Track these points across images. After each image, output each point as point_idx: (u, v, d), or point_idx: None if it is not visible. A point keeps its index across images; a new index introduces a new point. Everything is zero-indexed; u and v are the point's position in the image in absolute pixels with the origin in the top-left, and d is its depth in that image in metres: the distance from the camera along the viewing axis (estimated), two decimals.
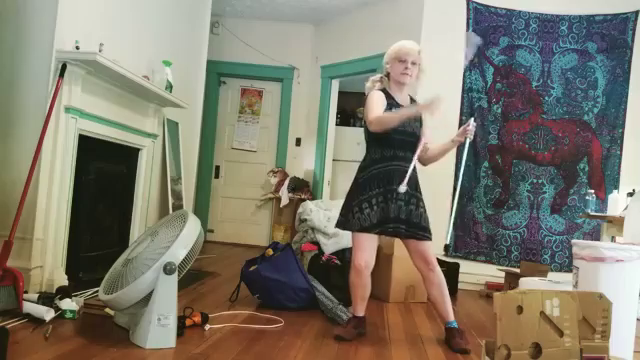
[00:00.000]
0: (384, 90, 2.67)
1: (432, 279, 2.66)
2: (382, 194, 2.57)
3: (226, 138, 6.34)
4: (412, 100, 2.74)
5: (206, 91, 5.42)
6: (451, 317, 2.66)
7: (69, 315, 2.41)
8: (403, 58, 2.61)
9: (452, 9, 4.54)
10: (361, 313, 2.68)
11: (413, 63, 2.62)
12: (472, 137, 2.59)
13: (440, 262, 4.11)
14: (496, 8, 4.51)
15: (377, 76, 2.76)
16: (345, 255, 3.63)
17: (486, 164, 4.48)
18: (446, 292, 2.67)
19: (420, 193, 2.66)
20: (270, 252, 3.21)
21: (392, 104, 2.61)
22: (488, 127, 4.48)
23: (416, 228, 2.58)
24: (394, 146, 2.59)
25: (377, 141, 2.61)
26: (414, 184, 2.61)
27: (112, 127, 3.40)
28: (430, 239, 2.62)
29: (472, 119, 2.65)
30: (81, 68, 2.89)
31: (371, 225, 2.56)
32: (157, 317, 2.11)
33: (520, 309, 1.71)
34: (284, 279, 3.02)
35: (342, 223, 2.66)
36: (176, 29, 4.46)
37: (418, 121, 2.63)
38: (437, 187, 4.45)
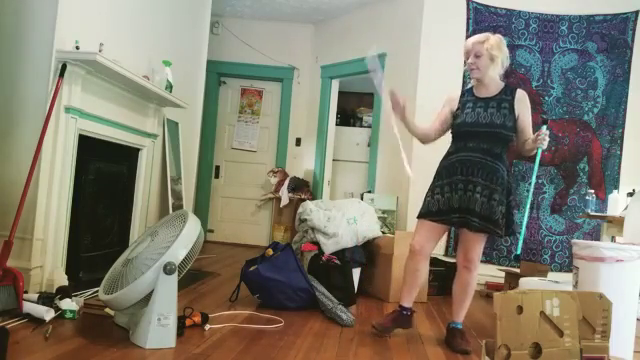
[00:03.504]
0: (469, 88, 2.69)
1: (464, 276, 2.63)
2: (449, 184, 2.56)
3: (226, 138, 6.34)
4: (505, 89, 2.59)
5: (206, 91, 5.42)
6: (459, 319, 2.65)
7: (69, 315, 2.41)
8: (466, 56, 2.62)
9: (452, 9, 4.54)
10: (406, 303, 2.68)
11: (477, 56, 2.56)
12: (546, 145, 2.44)
13: (440, 262, 4.16)
14: (496, 8, 4.51)
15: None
16: (345, 255, 3.63)
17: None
18: (470, 294, 2.63)
19: (501, 187, 2.49)
20: (270, 252, 3.21)
21: (468, 101, 2.62)
22: None
23: (486, 221, 2.46)
24: (463, 138, 2.58)
25: (452, 134, 2.67)
26: (486, 174, 2.49)
27: (112, 127, 3.40)
28: (488, 232, 2.49)
29: (544, 127, 2.43)
30: (81, 68, 2.89)
31: (428, 212, 2.59)
32: (157, 317, 2.11)
33: (520, 309, 1.71)
34: (284, 279, 3.02)
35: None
36: (176, 29, 4.46)
37: (499, 110, 2.53)
38: None
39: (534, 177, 2.61)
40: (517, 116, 2.54)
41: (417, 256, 2.63)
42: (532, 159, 4.37)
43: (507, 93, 2.57)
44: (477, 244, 2.57)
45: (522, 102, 2.56)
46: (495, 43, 2.55)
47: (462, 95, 2.69)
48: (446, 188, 2.56)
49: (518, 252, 2.46)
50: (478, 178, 2.49)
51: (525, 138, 2.56)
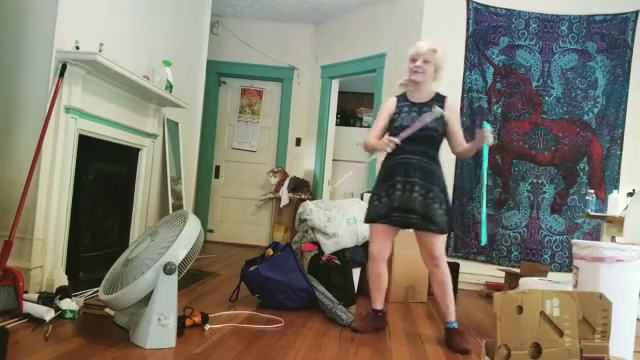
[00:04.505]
0: (402, 94, 2.81)
1: (436, 275, 2.69)
2: (391, 186, 2.67)
3: (226, 138, 6.34)
4: (437, 97, 2.76)
5: (206, 91, 5.42)
6: (451, 317, 2.67)
7: (69, 315, 2.41)
8: (415, 57, 2.71)
9: (452, 9, 4.54)
10: (378, 306, 2.78)
11: (426, 61, 2.68)
12: (491, 141, 2.57)
13: None
14: (496, 8, 4.51)
15: (404, 79, 2.85)
16: (345, 255, 3.63)
17: (486, 164, 4.47)
18: (449, 291, 2.68)
19: (439, 187, 2.64)
20: (270, 252, 3.21)
21: (404, 106, 2.76)
22: None
23: (425, 220, 2.60)
24: (401, 142, 2.67)
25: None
26: (422, 174, 2.63)
27: (112, 127, 3.40)
28: (438, 232, 2.61)
29: (487, 125, 2.58)
30: (81, 68, 2.89)
31: (378, 216, 2.70)
32: (157, 317, 2.11)
33: (520, 309, 1.71)
34: (284, 279, 3.02)
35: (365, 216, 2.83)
36: (176, 29, 4.46)
37: (427, 113, 2.66)
38: None
39: (484, 176, 2.77)
40: (447, 122, 2.69)
41: (378, 261, 2.77)
42: (530, 159, 4.37)
43: (438, 100, 2.74)
44: (437, 242, 2.65)
45: (452, 110, 2.74)
46: (443, 57, 2.73)
47: (397, 101, 2.81)
48: (390, 190, 2.68)
49: (482, 244, 2.61)
50: (416, 178, 2.62)
51: (459, 142, 2.72)
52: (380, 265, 2.76)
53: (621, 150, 4.40)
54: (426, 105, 2.70)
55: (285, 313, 2.90)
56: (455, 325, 2.65)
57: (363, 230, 3.69)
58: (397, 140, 2.58)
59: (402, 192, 2.63)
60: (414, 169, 2.63)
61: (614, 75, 4.41)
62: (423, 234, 2.65)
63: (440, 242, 2.66)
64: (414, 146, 2.64)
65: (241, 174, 6.30)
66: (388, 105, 2.82)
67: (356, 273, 3.59)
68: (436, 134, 2.68)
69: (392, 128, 2.75)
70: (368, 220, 2.77)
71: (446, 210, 2.63)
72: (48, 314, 2.33)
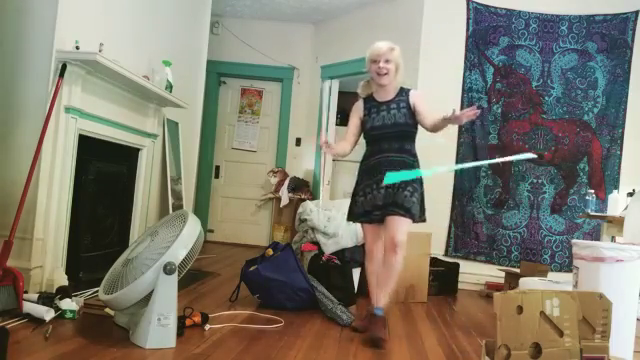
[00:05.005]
0: (368, 96, 2.86)
1: (389, 259, 2.67)
2: (370, 185, 2.73)
3: (226, 138, 6.34)
4: (400, 92, 2.80)
5: (206, 91, 5.42)
6: (381, 304, 2.68)
7: (69, 315, 2.41)
8: (375, 59, 2.75)
9: (452, 9, 4.54)
10: (378, 303, 2.76)
11: (387, 61, 2.72)
12: (464, 121, 2.51)
13: (440, 262, 4.15)
14: (496, 8, 4.51)
15: (364, 81, 2.91)
16: (345, 255, 3.63)
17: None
18: (392, 278, 2.67)
19: (417, 181, 2.68)
20: (270, 252, 3.21)
21: (372, 106, 2.81)
22: (488, 127, 4.47)
23: (394, 206, 2.63)
24: (375, 141, 2.77)
25: (365, 139, 2.84)
26: (400, 169, 2.64)
27: (112, 127, 3.40)
28: (405, 216, 2.62)
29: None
30: (81, 68, 2.89)
31: (358, 214, 2.79)
32: (157, 317, 2.11)
33: (520, 309, 1.71)
34: (284, 279, 3.02)
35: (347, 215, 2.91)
36: (176, 29, 4.46)
37: (399, 110, 2.73)
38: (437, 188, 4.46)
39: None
40: (414, 108, 2.73)
41: (374, 259, 2.81)
42: (536, 162, 4.35)
43: (402, 94, 2.79)
44: (402, 226, 2.65)
45: (416, 96, 2.78)
46: (399, 54, 2.78)
47: (365, 102, 2.86)
48: (367, 189, 2.74)
49: (386, 181, 2.56)
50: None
51: (432, 120, 2.67)
52: (375, 262, 2.79)
53: (621, 150, 4.40)
54: (393, 102, 2.76)
55: (285, 313, 2.90)
56: (381, 313, 2.65)
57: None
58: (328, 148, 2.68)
59: (385, 189, 2.67)
60: (394, 166, 2.65)
61: (614, 75, 4.41)
62: (389, 219, 2.66)
63: (404, 227, 2.65)
64: (390, 143, 2.71)
65: (241, 174, 6.29)
66: (357, 108, 2.87)
67: (356, 273, 3.59)
68: (408, 128, 2.74)
69: (365, 130, 2.81)
70: (349, 219, 2.88)
71: (418, 199, 2.67)
72: (48, 314, 2.33)
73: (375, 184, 2.70)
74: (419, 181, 2.72)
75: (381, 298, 2.69)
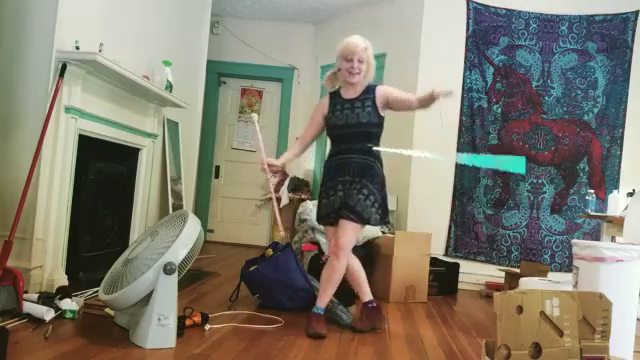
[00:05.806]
0: (335, 91, 2.78)
1: (331, 262, 2.64)
2: (333, 187, 2.68)
3: (226, 138, 6.34)
4: (367, 90, 2.72)
5: (206, 91, 5.42)
6: (322, 304, 2.67)
7: (69, 315, 2.41)
8: (349, 57, 2.67)
9: (452, 9, 4.54)
10: (365, 298, 2.78)
11: (360, 61, 2.65)
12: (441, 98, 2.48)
13: (440, 262, 4.15)
14: (496, 8, 4.51)
15: (331, 72, 2.81)
16: None
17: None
18: (332, 282, 2.64)
19: (375, 183, 2.63)
20: (270, 252, 3.21)
21: (337, 104, 2.74)
22: (488, 127, 4.47)
23: (346, 209, 2.59)
24: (337, 141, 2.73)
25: (329, 138, 2.81)
26: (360, 171, 2.62)
27: (112, 127, 3.40)
28: (355, 221, 2.58)
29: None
30: (81, 68, 2.89)
31: (320, 216, 2.77)
32: (157, 317, 2.11)
33: (520, 309, 1.71)
34: (284, 279, 3.02)
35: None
36: (176, 29, 4.46)
37: (364, 109, 2.66)
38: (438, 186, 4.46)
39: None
40: (387, 102, 2.67)
41: (337, 259, 2.68)
42: (530, 159, 4.36)
43: (369, 92, 2.71)
44: (348, 230, 2.60)
45: (383, 90, 2.71)
46: (371, 52, 2.69)
47: (331, 98, 2.78)
48: (331, 191, 2.69)
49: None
50: (354, 177, 2.62)
51: (409, 103, 2.64)
52: (341, 262, 2.67)
53: (621, 150, 4.40)
54: (358, 100, 2.69)
55: (285, 313, 2.90)
56: (321, 312, 2.65)
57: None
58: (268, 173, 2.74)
59: (343, 192, 2.62)
60: (352, 168, 2.62)
61: (614, 75, 4.41)
62: (340, 222, 2.61)
63: (350, 231, 2.60)
64: (350, 144, 2.65)
65: (241, 174, 6.29)
66: (320, 106, 2.81)
67: None
68: (372, 128, 2.67)
69: (328, 128, 2.76)
70: (317, 220, 2.87)
71: (374, 202, 2.60)
72: (48, 314, 2.33)
73: (335, 187, 2.66)
74: (379, 182, 2.65)
75: (324, 299, 2.67)
